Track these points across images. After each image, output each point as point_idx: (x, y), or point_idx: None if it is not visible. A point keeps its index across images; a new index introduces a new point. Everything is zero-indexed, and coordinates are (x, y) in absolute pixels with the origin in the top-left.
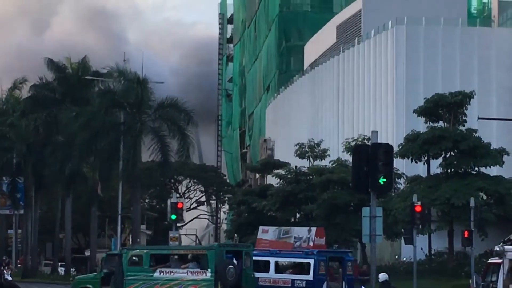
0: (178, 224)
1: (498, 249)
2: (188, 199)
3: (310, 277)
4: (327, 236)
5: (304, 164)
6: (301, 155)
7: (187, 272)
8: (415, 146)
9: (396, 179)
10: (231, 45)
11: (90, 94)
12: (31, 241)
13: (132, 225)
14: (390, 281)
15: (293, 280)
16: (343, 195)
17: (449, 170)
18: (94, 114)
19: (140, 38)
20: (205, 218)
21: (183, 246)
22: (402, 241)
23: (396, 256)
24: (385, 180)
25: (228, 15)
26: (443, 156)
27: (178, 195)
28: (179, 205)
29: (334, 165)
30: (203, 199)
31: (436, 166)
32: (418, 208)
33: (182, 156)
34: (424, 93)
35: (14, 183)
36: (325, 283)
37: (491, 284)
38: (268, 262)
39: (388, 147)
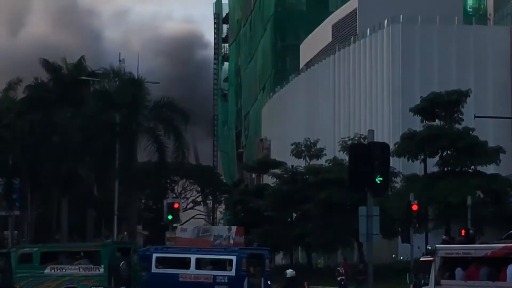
0: (175, 224)
1: (430, 248)
2: (185, 199)
3: (232, 273)
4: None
5: (300, 163)
6: (297, 154)
7: (79, 269)
8: (412, 144)
9: (393, 178)
10: (226, 45)
11: (85, 94)
12: (27, 242)
13: (128, 226)
14: (297, 277)
15: (215, 276)
16: (339, 195)
17: (445, 169)
18: (89, 114)
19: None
20: (201, 218)
21: (75, 244)
22: (399, 240)
23: (393, 255)
24: (381, 179)
25: (223, 14)
26: (439, 154)
27: (174, 196)
28: (176, 205)
29: (330, 164)
30: (200, 199)
31: (432, 165)
32: (414, 207)
33: (178, 156)
34: (420, 92)
35: (10, 184)
36: (246, 279)
37: (423, 281)
38: (189, 259)
39: (384, 146)
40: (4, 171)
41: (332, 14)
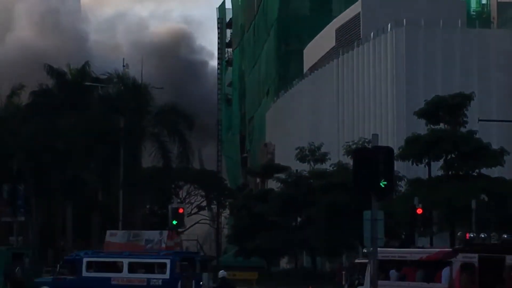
0: (179, 230)
1: (366, 251)
2: (189, 204)
3: (167, 275)
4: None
5: (304, 168)
6: (301, 158)
7: None
8: (416, 148)
9: (397, 182)
10: (230, 50)
11: (90, 100)
12: (32, 247)
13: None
14: (228, 277)
15: (149, 279)
16: (343, 199)
17: (450, 172)
18: (94, 120)
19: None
20: (206, 223)
21: None
22: None
23: None
24: (386, 183)
25: (227, 19)
26: (443, 158)
27: (179, 200)
28: (180, 211)
29: (334, 168)
30: (204, 204)
31: (437, 168)
32: (419, 211)
33: (182, 161)
34: (424, 95)
35: (15, 190)
36: (180, 281)
37: (356, 281)
38: (121, 262)
39: (388, 150)
40: (9, 176)
41: (336, 19)
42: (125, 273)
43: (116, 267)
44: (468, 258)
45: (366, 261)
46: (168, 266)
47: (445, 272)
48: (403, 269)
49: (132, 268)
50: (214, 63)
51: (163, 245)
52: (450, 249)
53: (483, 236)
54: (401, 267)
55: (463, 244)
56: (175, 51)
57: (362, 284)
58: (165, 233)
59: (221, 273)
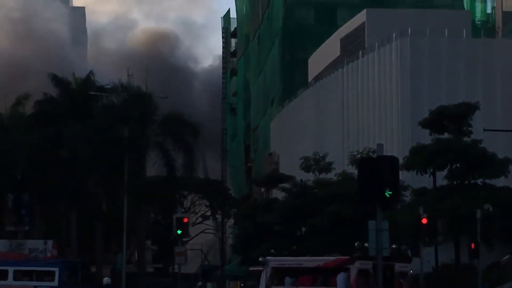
0: (184, 239)
1: (261, 259)
2: (193, 214)
3: (55, 283)
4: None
5: (309, 177)
6: (306, 168)
7: None
8: (421, 158)
9: (402, 192)
10: (234, 59)
11: (94, 109)
12: None
13: (137, 241)
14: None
15: (35, 287)
16: (348, 208)
17: (454, 182)
18: (98, 129)
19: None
20: (211, 233)
21: None
22: (409, 253)
23: None
24: (391, 193)
25: (232, 29)
26: (448, 167)
27: (183, 210)
28: (185, 220)
29: (339, 178)
30: (209, 213)
31: (441, 178)
32: (424, 220)
33: (187, 170)
34: (429, 105)
35: (19, 199)
36: None
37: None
38: (6, 270)
39: (393, 160)
40: (13, 185)
41: (340, 28)
42: (10, 280)
43: (1, 275)
44: (364, 265)
45: (260, 269)
46: (57, 274)
47: (340, 277)
48: (300, 277)
49: (18, 276)
50: (218, 72)
51: (48, 254)
52: (348, 257)
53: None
54: (297, 274)
55: (360, 253)
56: (179, 60)
57: None
58: (50, 242)
59: (106, 280)
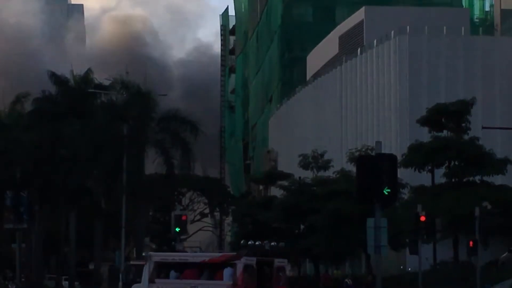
0: (182, 237)
1: (144, 254)
2: (192, 211)
3: None
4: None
5: (307, 175)
6: (304, 166)
7: None
8: (419, 155)
9: (400, 189)
10: (233, 57)
11: (93, 106)
12: (35, 255)
13: (136, 238)
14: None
15: None
16: (347, 206)
17: (453, 180)
18: (97, 127)
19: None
20: (209, 230)
21: None
22: (407, 251)
23: (401, 267)
24: (389, 190)
25: (230, 26)
26: (447, 165)
27: (181, 208)
28: (183, 218)
29: (337, 175)
30: (207, 211)
31: (440, 176)
32: (422, 218)
33: (185, 168)
34: (428, 103)
35: (18, 197)
36: None
37: (131, 282)
38: None
39: (392, 158)
40: (12, 183)
41: (339, 26)
42: None
43: None
44: (249, 261)
45: (142, 263)
46: None
47: (227, 271)
48: (185, 270)
49: None
50: (217, 69)
51: None
52: (235, 253)
53: (258, 243)
54: (183, 268)
55: (246, 250)
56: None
57: (139, 282)
58: None
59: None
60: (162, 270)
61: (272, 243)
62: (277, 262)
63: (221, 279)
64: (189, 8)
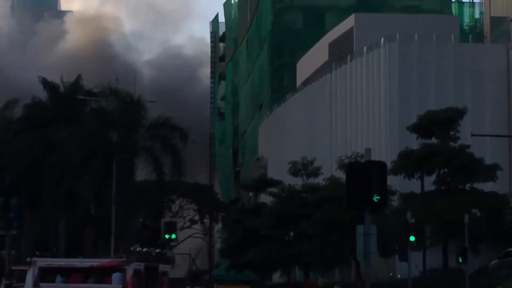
0: (172, 244)
1: (28, 259)
2: (182, 218)
3: None
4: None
5: (297, 182)
6: (294, 173)
7: None
8: (409, 163)
9: (390, 196)
10: (223, 63)
11: (83, 113)
12: (25, 261)
13: (126, 245)
14: None
15: None
16: (336, 213)
17: (442, 187)
18: (87, 134)
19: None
20: (198, 237)
21: None
22: (397, 258)
23: (391, 274)
24: (379, 197)
25: (220, 33)
26: (436, 172)
27: (171, 214)
28: (173, 224)
29: (327, 182)
30: (197, 217)
31: (429, 183)
32: (412, 225)
33: (175, 175)
34: (418, 110)
35: (7, 203)
36: None
37: (15, 285)
38: None
39: (381, 165)
40: (2, 189)
41: (329, 33)
42: None
43: None
44: (138, 266)
45: (25, 268)
46: None
47: (116, 276)
48: (72, 275)
49: None
50: (207, 77)
51: None
52: (125, 259)
53: (145, 249)
54: (69, 273)
55: (135, 256)
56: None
57: (23, 287)
58: None
59: None
60: (47, 274)
61: (157, 250)
62: (161, 267)
63: (110, 283)
64: (171, 8)
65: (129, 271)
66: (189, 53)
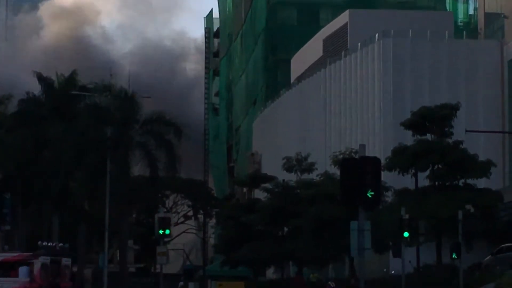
0: (166, 239)
1: None
2: (176, 214)
3: None
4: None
5: (291, 177)
6: (288, 168)
7: None
8: (403, 159)
9: (384, 192)
10: (217, 59)
11: (77, 109)
12: None
13: (119, 240)
14: None
15: None
16: (330, 209)
17: (436, 183)
18: (81, 129)
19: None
20: (192, 233)
21: None
22: (391, 254)
23: (385, 270)
24: (373, 193)
25: (214, 29)
26: (430, 168)
27: (165, 210)
28: (167, 220)
29: (321, 178)
30: (191, 213)
31: (423, 179)
32: (406, 222)
33: (169, 170)
34: (412, 106)
35: (1, 199)
36: None
37: None
38: None
39: (375, 161)
40: None
41: (323, 28)
42: None
43: None
44: (45, 260)
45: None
46: None
47: (22, 269)
48: None
49: None
50: (201, 72)
51: None
52: (32, 253)
53: (51, 244)
54: None
55: (42, 250)
56: (162, 59)
57: None
58: None
59: None
60: None
61: (60, 244)
62: (64, 260)
63: (16, 276)
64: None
65: (37, 265)
66: (182, 48)
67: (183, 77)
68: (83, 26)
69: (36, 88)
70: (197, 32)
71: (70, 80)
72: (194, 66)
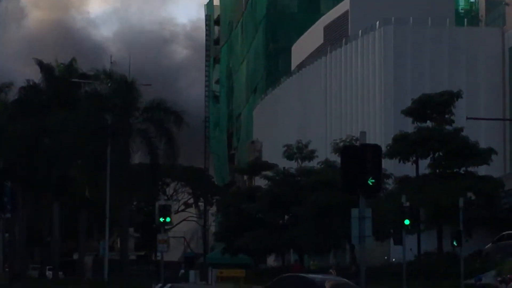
0: (166, 227)
1: None
2: (176, 202)
3: None
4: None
5: (292, 165)
6: (289, 156)
7: None
8: (403, 146)
9: (385, 180)
10: (218, 47)
11: (78, 96)
12: (19, 245)
13: (120, 228)
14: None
15: None
16: (331, 197)
17: (437, 170)
18: (81, 117)
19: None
20: (193, 220)
21: None
22: (391, 242)
23: (385, 257)
24: (373, 181)
25: (215, 16)
26: (431, 156)
27: (166, 198)
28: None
29: (322, 166)
30: (191, 201)
31: (424, 166)
32: (407, 209)
33: (170, 158)
34: (412, 93)
35: (1, 187)
36: None
37: None
38: None
39: (376, 148)
40: None
41: (324, 16)
42: None
43: None
44: None
45: None
46: None
47: None
48: None
49: None
50: (202, 59)
51: None
52: None
53: None
54: None
55: None
56: (163, 47)
57: None
58: None
59: None
60: None
61: None
62: None
63: None
64: None
65: None
66: (183, 36)
67: (183, 65)
68: (70, 12)
69: (25, 76)
70: (198, 19)
71: (70, 68)
72: (195, 54)
